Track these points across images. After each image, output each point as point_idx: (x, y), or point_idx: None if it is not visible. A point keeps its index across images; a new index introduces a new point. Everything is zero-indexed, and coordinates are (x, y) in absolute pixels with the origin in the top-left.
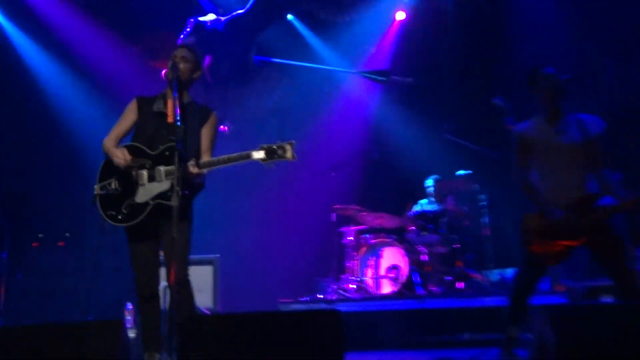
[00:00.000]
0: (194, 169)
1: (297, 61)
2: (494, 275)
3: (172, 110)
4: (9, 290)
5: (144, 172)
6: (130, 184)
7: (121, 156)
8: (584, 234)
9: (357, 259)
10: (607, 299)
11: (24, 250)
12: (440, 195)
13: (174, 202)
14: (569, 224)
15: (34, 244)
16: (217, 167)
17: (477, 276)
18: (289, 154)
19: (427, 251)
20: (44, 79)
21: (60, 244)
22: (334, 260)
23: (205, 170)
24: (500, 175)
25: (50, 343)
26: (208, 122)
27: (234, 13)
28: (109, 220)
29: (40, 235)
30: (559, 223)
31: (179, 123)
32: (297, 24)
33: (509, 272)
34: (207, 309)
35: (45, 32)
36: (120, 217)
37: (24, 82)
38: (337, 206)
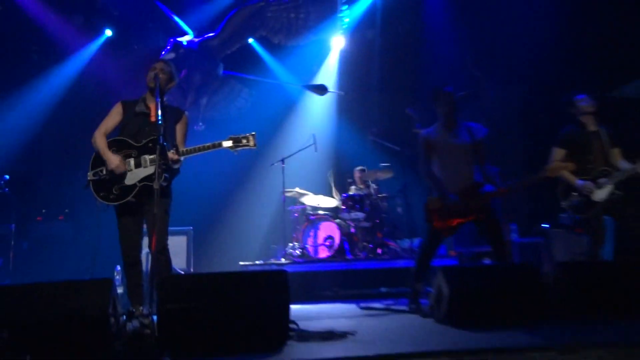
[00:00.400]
0: (174, 156)
1: (255, 75)
2: (405, 243)
3: (154, 111)
4: (16, 256)
5: (131, 160)
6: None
7: (117, 165)
8: (471, 213)
9: (301, 231)
10: (487, 261)
11: (29, 223)
12: (365, 182)
13: (156, 184)
14: (460, 205)
15: (37, 218)
16: (193, 154)
17: (393, 244)
18: (251, 142)
19: (354, 225)
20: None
21: (60, 218)
22: (283, 232)
23: (182, 158)
24: (411, 168)
25: (52, 298)
26: (181, 121)
27: (206, 36)
28: (102, 201)
29: (43, 210)
30: (453, 204)
31: (160, 121)
32: (256, 46)
33: (416, 241)
34: (181, 270)
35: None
36: (111, 197)
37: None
38: (286, 190)
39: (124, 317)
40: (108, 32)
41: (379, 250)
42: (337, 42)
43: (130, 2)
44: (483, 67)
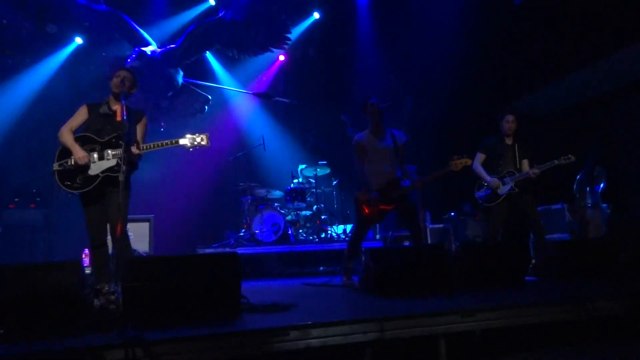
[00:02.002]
0: (136, 151)
1: (211, 83)
2: (339, 229)
3: (120, 112)
4: None
5: (95, 154)
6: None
7: (80, 154)
8: (393, 203)
9: (251, 219)
10: (406, 243)
11: (3, 210)
12: (306, 176)
13: (121, 176)
14: (383, 197)
15: (10, 205)
16: (153, 149)
17: (329, 229)
18: (205, 141)
19: (297, 213)
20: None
21: (32, 206)
22: (235, 220)
23: (142, 152)
24: (344, 165)
25: (27, 278)
26: (141, 122)
27: (168, 47)
28: (67, 189)
29: (15, 199)
30: (377, 197)
31: (125, 121)
32: (212, 58)
33: (349, 227)
34: (144, 253)
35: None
36: (75, 185)
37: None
38: (240, 183)
39: (92, 294)
40: (78, 40)
41: (318, 235)
42: (282, 57)
43: (99, 14)
44: (405, 81)
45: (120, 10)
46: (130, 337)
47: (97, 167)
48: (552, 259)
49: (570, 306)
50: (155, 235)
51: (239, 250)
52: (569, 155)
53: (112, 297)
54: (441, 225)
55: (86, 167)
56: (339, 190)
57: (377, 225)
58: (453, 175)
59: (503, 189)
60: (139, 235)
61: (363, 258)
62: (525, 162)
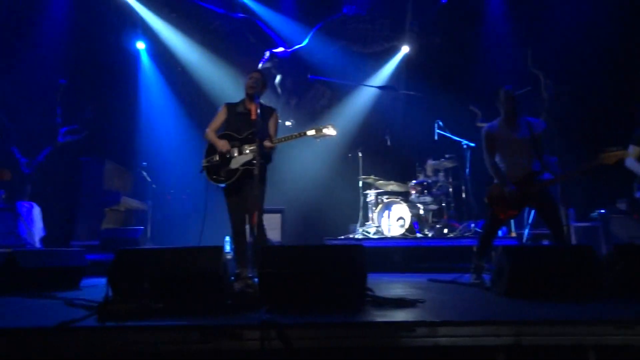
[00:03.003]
0: (268, 144)
1: (337, 79)
2: (469, 224)
3: (254, 111)
4: (153, 226)
5: (235, 149)
6: (226, 158)
7: (222, 145)
8: (530, 199)
9: (376, 212)
10: (546, 242)
11: (162, 200)
12: (433, 170)
13: (256, 170)
14: (519, 193)
15: (167, 196)
16: (283, 142)
17: (457, 225)
18: (331, 131)
19: (423, 208)
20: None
21: (184, 196)
22: (360, 213)
23: (274, 145)
24: (474, 158)
25: (179, 259)
26: (272, 117)
27: (296, 46)
28: (214, 182)
29: (171, 190)
30: (512, 192)
31: (259, 119)
32: (337, 54)
33: (479, 223)
34: (277, 242)
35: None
36: (220, 178)
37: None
38: (363, 176)
39: (232, 278)
40: (219, 47)
41: (445, 230)
42: (406, 48)
43: (235, 22)
44: (542, 66)
45: (253, 16)
46: (266, 320)
47: (237, 161)
48: None
49: None
50: (285, 226)
51: (365, 243)
52: None
53: (250, 282)
54: (587, 224)
55: (228, 161)
56: (468, 184)
57: (512, 221)
58: (602, 168)
59: None
60: (272, 226)
61: (495, 256)
62: None
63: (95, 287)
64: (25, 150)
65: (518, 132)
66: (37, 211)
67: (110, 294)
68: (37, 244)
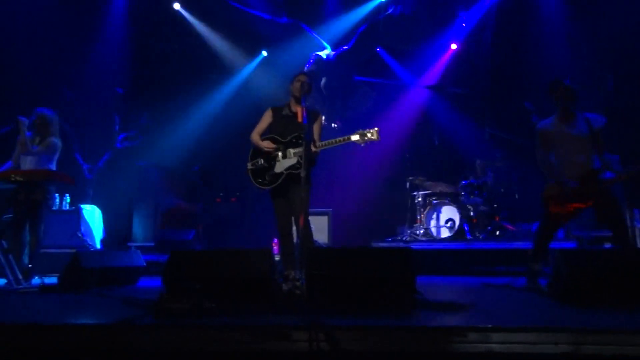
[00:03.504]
0: (312, 148)
1: (382, 79)
2: (522, 226)
3: (301, 114)
4: (204, 229)
5: (279, 153)
6: (270, 161)
7: (267, 146)
8: (590, 199)
9: (424, 214)
10: (607, 245)
11: (212, 203)
12: (483, 170)
13: (302, 172)
14: (578, 192)
15: (217, 199)
16: (328, 147)
17: (510, 227)
18: (375, 136)
19: (473, 209)
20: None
21: (233, 200)
22: (408, 214)
23: (319, 149)
24: (527, 157)
25: (229, 261)
26: (317, 121)
27: (341, 48)
28: (258, 185)
29: (221, 194)
30: (570, 191)
31: (305, 122)
32: (383, 54)
33: (534, 224)
34: (324, 244)
35: None
36: (265, 182)
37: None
38: (411, 177)
39: (281, 279)
40: (264, 53)
41: (497, 232)
42: (454, 45)
43: (281, 26)
44: (603, 58)
45: (299, 20)
46: (314, 321)
47: (281, 165)
48: None
49: None
50: (332, 228)
51: (413, 246)
52: None
53: (297, 283)
54: None
55: (273, 165)
56: (521, 184)
57: (570, 223)
58: None
59: None
60: (319, 228)
61: (552, 259)
62: None
63: (151, 286)
64: (86, 156)
65: (575, 129)
66: (97, 214)
67: (165, 293)
68: (98, 245)
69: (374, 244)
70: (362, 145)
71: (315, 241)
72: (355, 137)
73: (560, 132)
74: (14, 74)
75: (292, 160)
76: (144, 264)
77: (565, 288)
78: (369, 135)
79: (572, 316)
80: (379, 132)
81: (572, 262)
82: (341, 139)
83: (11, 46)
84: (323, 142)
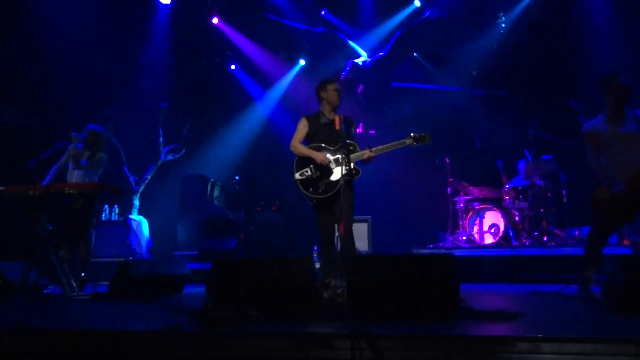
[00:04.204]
0: (371, 154)
1: (420, 84)
2: (573, 231)
3: (338, 122)
4: (245, 236)
5: (332, 161)
6: (322, 170)
7: (321, 156)
8: None
9: (467, 219)
10: None
11: (253, 212)
12: (529, 173)
13: (342, 180)
14: (631, 195)
15: (258, 208)
16: (383, 152)
17: (559, 232)
18: (427, 139)
19: (519, 214)
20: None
21: (273, 208)
22: (450, 220)
23: (374, 155)
24: (575, 159)
25: (271, 269)
26: (353, 127)
27: (377, 55)
28: (311, 195)
29: (261, 202)
30: (622, 194)
31: (343, 129)
32: (420, 59)
33: (584, 229)
34: (364, 252)
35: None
36: (320, 191)
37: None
38: (451, 179)
39: (322, 287)
40: (302, 62)
41: (545, 238)
42: (493, 45)
43: (317, 35)
44: None
45: (334, 29)
46: (357, 330)
47: (337, 173)
48: None
49: None
50: (372, 235)
51: (456, 252)
52: None
53: (339, 291)
54: None
55: (329, 173)
56: (569, 187)
57: (625, 227)
58: None
59: None
60: (359, 235)
61: (606, 266)
62: None
63: (196, 294)
64: (133, 168)
65: (625, 127)
66: (144, 224)
67: (209, 300)
68: (145, 254)
69: (415, 251)
70: (414, 147)
71: (355, 249)
72: (409, 141)
73: (610, 131)
74: (67, 92)
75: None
76: (189, 272)
77: (622, 296)
78: (421, 138)
79: (629, 326)
80: (430, 135)
81: (629, 269)
82: (396, 143)
83: (63, 65)
84: (379, 147)
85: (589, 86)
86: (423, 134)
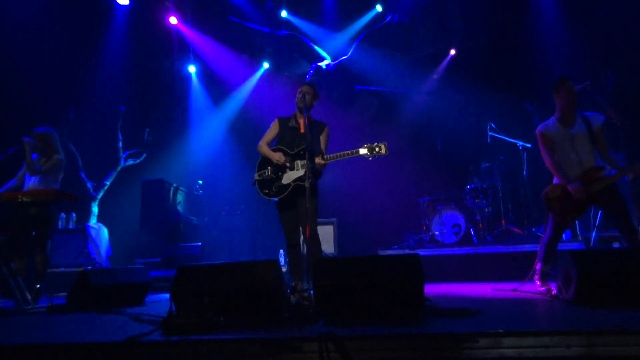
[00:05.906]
0: (320, 161)
1: (383, 87)
2: (529, 229)
3: (303, 125)
4: (209, 242)
5: (287, 164)
6: (278, 172)
7: (279, 157)
8: (595, 197)
9: (430, 220)
10: (616, 245)
11: (217, 216)
12: (488, 173)
13: (307, 184)
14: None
15: (222, 212)
16: (336, 159)
17: (517, 230)
18: (383, 150)
19: (479, 213)
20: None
21: (238, 212)
22: (414, 221)
23: (327, 162)
24: (532, 159)
25: (236, 274)
26: (324, 132)
27: (341, 58)
28: (265, 196)
29: (225, 207)
30: (577, 189)
31: (308, 133)
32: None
33: (541, 227)
34: (330, 254)
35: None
36: (272, 193)
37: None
38: (414, 183)
39: (288, 290)
40: (265, 65)
41: (504, 236)
42: (452, 51)
43: (280, 39)
44: (602, 56)
45: (298, 32)
46: (324, 332)
47: (289, 176)
48: None
49: None
50: (338, 237)
51: (420, 252)
52: None
53: (306, 294)
54: None
55: (280, 176)
56: (527, 187)
57: (577, 224)
58: None
59: None
60: (325, 237)
61: (561, 262)
62: None
63: (159, 302)
64: (91, 174)
65: (574, 128)
66: (104, 231)
67: (173, 308)
68: (105, 263)
69: (380, 252)
70: (369, 159)
71: (322, 251)
72: (363, 151)
73: (560, 132)
74: (18, 96)
75: (299, 172)
76: (151, 280)
77: (576, 290)
78: (377, 149)
79: (583, 318)
80: (387, 147)
81: (582, 264)
82: (349, 152)
83: (14, 67)
84: (331, 155)
85: (544, 89)
86: (380, 145)
